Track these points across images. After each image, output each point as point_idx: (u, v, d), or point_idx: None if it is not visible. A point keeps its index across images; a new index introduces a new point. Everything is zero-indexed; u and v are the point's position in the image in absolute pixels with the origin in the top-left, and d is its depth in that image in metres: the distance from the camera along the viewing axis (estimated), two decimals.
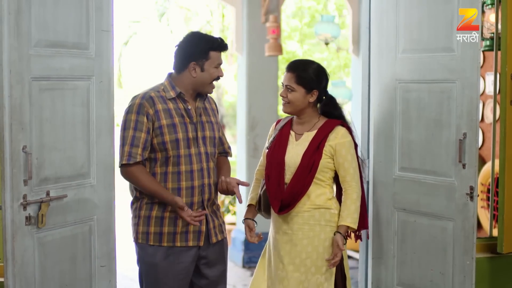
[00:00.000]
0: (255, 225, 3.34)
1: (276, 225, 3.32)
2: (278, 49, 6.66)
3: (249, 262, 6.74)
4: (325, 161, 3.22)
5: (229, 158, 3.36)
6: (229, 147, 3.37)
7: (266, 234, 3.41)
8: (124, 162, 3.04)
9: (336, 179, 3.31)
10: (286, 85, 3.26)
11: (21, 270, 2.93)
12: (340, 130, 3.25)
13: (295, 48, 11.99)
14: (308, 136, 3.27)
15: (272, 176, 3.28)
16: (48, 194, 3.01)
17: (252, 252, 6.67)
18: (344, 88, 7.08)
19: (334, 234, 3.19)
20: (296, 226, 3.24)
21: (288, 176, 3.25)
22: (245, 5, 6.83)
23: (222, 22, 11.41)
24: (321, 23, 6.82)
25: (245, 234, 3.34)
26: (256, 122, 6.84)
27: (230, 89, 12.38)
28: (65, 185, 3.10)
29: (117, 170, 3.30)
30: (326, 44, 7.01)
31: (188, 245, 3.09)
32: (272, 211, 3.33)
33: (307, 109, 3.29)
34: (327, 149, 3.22)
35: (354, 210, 3.19)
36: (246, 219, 3.37)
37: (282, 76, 3.39)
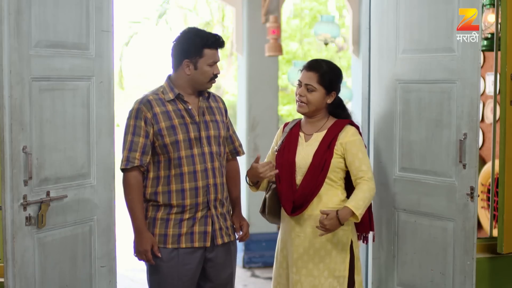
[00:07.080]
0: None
1: (287, 227, 3.26)
2: (278, 49, 6.66)
3: (249, 262, 6.73)
4: (336, 161, 3.17)
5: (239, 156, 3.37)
6: (240, 145, 3.37)
7: (272, 234, 3.38)
8: (122, 167, 3.05)
9: (347, 180, 3.24)
10: (306, 84, 3.18)
11: (21, 270, 2.93)
12: (350, 129, 3.21)
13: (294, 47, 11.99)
14: (318, 137, 3.22)
15: (283, 178, 3.23)
16: (48, 194, 3.01)
17: (252, 252, 6.66)
18: (345, 88, 7.07)
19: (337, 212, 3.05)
20: (309, 229, 3.18)
21: (299, 177, 3.20)
22: (245, 5, 6.82)
23: (222, 22, 11.40)
24: (321, 23, 6.81)
25: (256, 170, 3.14)
26: (256, 122, 6.83)
27: (230, 89, 12.38)
28: (65, 185, 3.10)
29: (117, 170, 3.30)
30: (326, 44, 7.01)
31: (193, 246, 3.07)
32: (283, 213, 3.29)
33: (321, 110, 3.25)
34: (337, 148, 3.17)
35: (361, 197, 3.07)
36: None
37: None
